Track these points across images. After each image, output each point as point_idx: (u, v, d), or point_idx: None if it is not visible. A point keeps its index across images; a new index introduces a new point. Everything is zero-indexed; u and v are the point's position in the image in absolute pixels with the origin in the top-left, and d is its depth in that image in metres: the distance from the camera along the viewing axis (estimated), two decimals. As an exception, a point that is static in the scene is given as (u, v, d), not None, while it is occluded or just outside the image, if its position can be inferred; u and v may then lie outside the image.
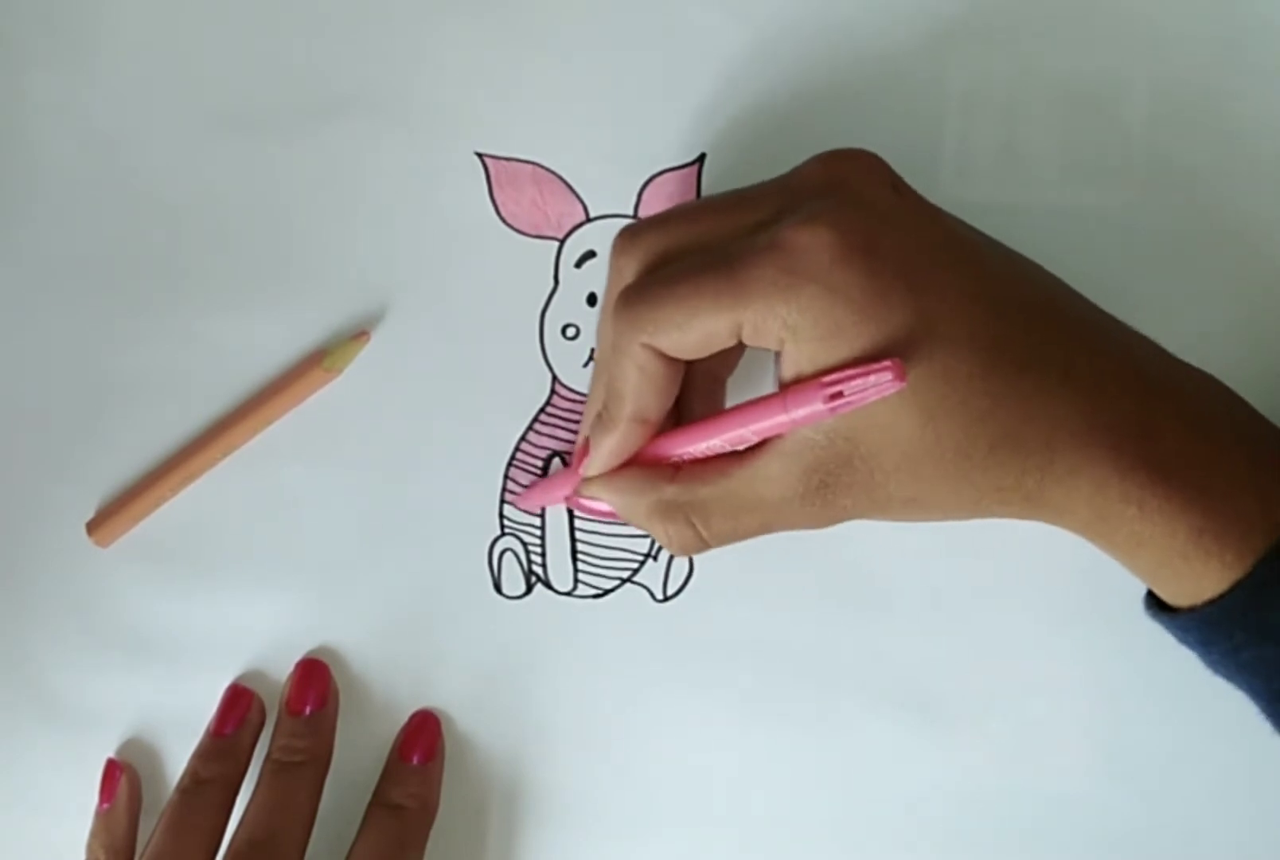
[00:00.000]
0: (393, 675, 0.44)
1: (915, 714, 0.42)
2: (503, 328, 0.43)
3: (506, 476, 0.43)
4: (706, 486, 0.36)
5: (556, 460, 0.43)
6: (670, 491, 0.36)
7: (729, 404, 0.40)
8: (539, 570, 0.44)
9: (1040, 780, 0.42)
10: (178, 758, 0.44)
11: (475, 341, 0.43)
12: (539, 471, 0.43)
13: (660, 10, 0.42)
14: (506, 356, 0.43)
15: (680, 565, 0.43)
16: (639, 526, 0.38)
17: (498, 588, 0.44)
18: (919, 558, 0.42)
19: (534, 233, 0.43)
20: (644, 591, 0.43)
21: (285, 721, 0.43)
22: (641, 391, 0.35)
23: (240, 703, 0.44)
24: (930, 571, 0.42)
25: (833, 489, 0.34)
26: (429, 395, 0.44)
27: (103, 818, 0.44)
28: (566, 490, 0.40)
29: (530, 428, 0.43)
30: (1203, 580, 0.34)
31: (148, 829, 0.43)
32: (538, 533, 0.44)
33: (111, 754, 0.45)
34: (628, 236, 0.37)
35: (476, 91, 0.43)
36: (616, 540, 0.43)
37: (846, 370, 0.32)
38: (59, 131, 0.44)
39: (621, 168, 0.43)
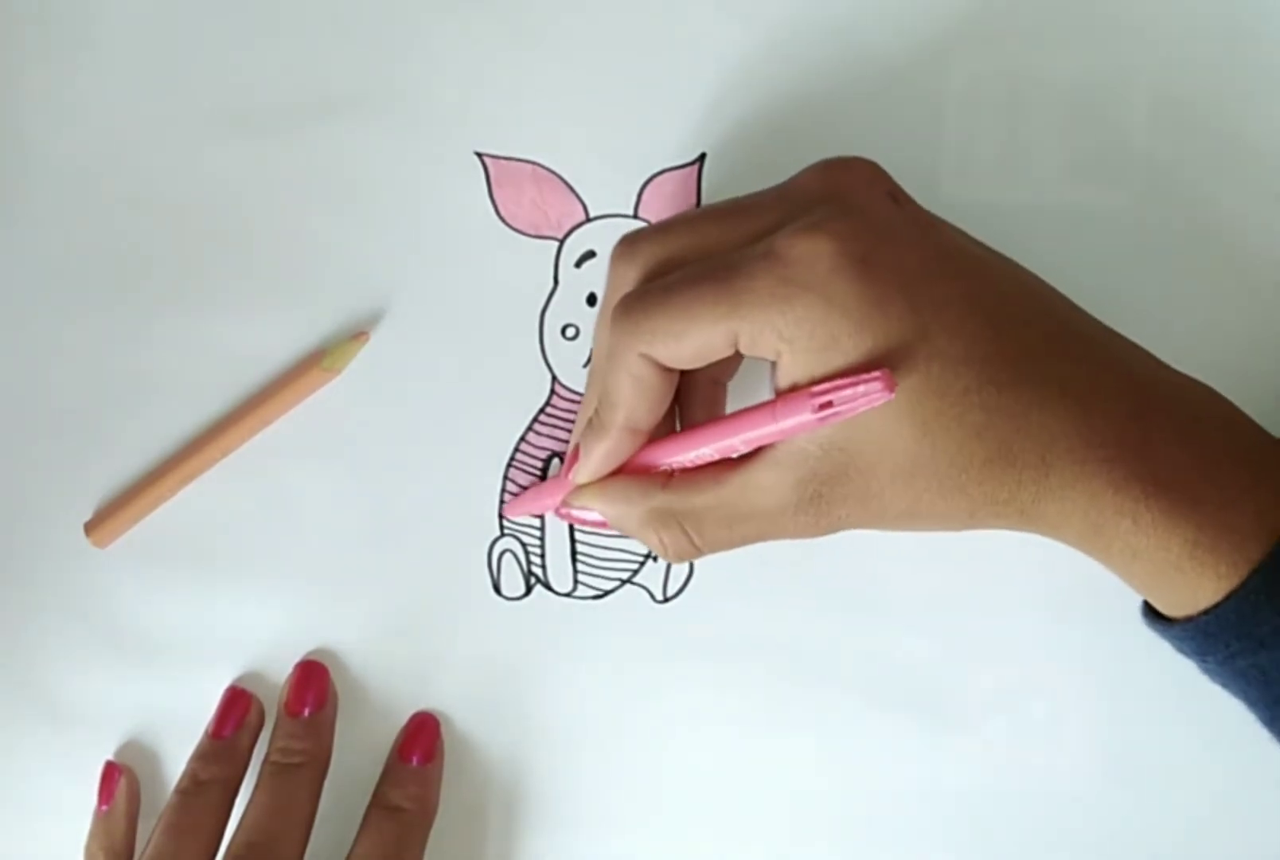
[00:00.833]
0: (392, 676, 0.44)
1: (915, 714, 0.42)
2: (502, 328, 0.43)
3: (506, 477, 0.43)
4: (700, 495, 0.35)
5: (556, 460, 0.43)
6: (663, 499, 0.36)
7: (729, 408, 0.40)
8: (538, 571, 0.43)
9: (1040, 781, 0.42)
10: (176, 759, 0.44)
11: (475, 341, 0.43)
12: (538, 472, 0.43)
13: (660, 10, 0.42)
14: (506, 356, 0.43)
15: (680, 566, 0.43)
16: (631, 535, 0.38)
17: (497, 589, 0.44)
18: (920, 558, 0.42)
19: (534, 232, 0.43)
20: (644, 592, 0.43)
21: (284, 723, 0.43)
22: (635, 400, 0.35)
23: (239, 704, 0.44)
24: (931, 572, 0.42)
25: (827, 500, 0.34)
26: (428, 395, 0.44)
27: (101, 819, 0.44)
28: (556, 498, 0.39)
29: (530, 428, 0.43)
30: (1197, 591, 0.34)
31: (146, 831, 0.43)
32: (537, 534, 0.43)
33: (110, 756, 0.45)
34: (627, 245, 0.37)
35: (476, 91, 0.43)
36: (616, 541, 0.43)
37: (836, 380, 0.32)
38: (59, 131, 0.44)
39: (621, 168, 0.43)
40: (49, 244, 0.45)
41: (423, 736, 0.43)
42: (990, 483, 0.33)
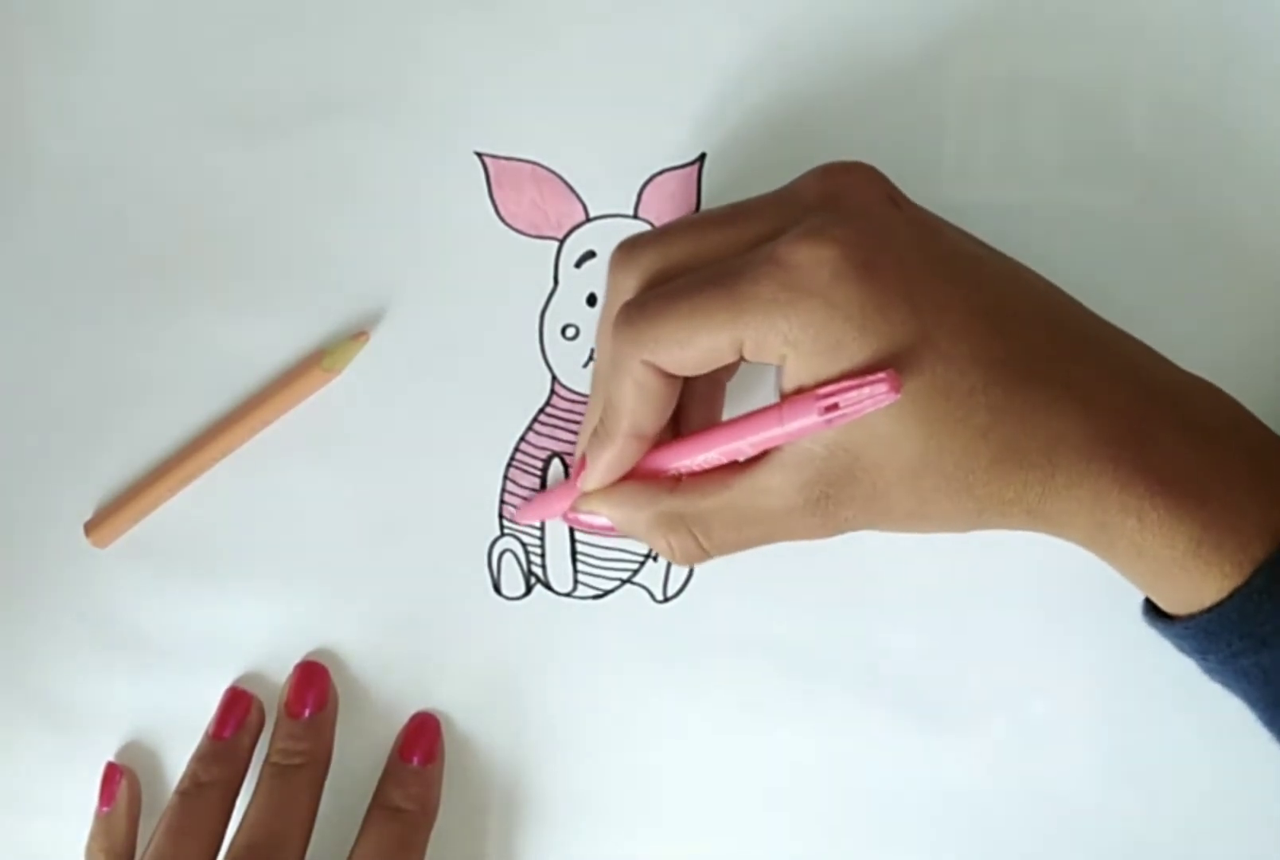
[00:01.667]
0: (392, 677, 0.44)
1: (916, 714, 0.42)
2: (502, 328, 0.43)
3: (506, 477, 0.43)
4: (707, 498, 0.35)
5: (556, 461, 0.43)
6: (671, 503, 0.36)
7: (727, 410, 0.40)
8: (538, 571, 0.43)
9: (1040, 781, 0.42)
10: (177, 760, 0.44)
11: (475, 341, 0.43)
12: (538, 472, 0.43)
13: (660, 9, 0.42)
14: (506, 356, 0.43)
15: (680, 566, 0.43)
16: (640, 539, 0.38)
17: (497, 589, 0.44)
18: (920, 558, 0.42)
19: (534, 233, 0.43)
20: (644, 592, 0.43)
21: (284, 724, 0.43)
22: (639, 407, 0.35)
23: (239, 705, 0.44)
24: (931, 572, 0.42)
25: (834, 501, 0.34)
26: (428, 395, 0.44)
27: (102, 821, 0.44)
28: (565, 504, 0.39)
29: (530, 428, 0.43)
30: (1201, 589, 0.34)
31: (147, 832, 0.43)
32: (537, 534, 0.43)
33: (111, 757, 0.45)
34: (626, 251, 0.37)
35: (476, 91, 0.43)
36: (616, 541, 0.43)
37: (841, 382, 0.32)
38: (59, 131, 0.44)
39: (621, 168, 0.43)
40: (49, 244, 0.45)
41: (423, 737, 0.43)
42: (996, 483, 0.33)
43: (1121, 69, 0.41)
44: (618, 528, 0.38)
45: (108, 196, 0.44)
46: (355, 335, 0.43)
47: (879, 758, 0.42)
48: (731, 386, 0.40)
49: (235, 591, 0.44)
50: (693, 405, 0.39)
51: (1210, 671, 0.36)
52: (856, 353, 0.32)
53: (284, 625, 0.44)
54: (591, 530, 0.40)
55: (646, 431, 0.36)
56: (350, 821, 0.42)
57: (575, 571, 0.43)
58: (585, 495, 0.38)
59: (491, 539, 0.44)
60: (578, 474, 0.38)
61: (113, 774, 0.44)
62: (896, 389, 0.31)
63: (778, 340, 0.32)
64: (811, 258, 0.32)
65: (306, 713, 0.43)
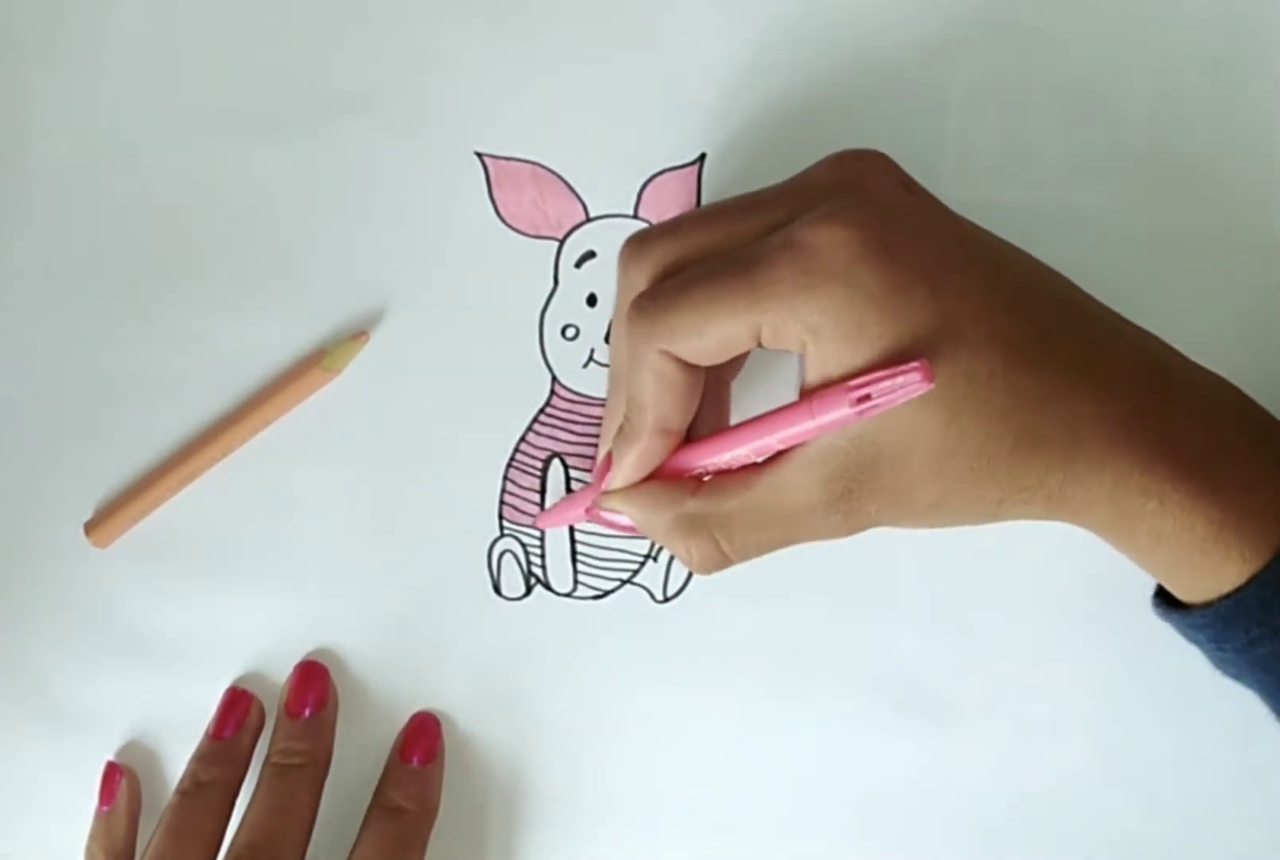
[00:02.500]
0: (392, 677, 0.44)
1: (916, 714, 0.42)
2: (502, 328, 0.43)
3: (506, 477, 0.43)
4: (729, 499, 0.35)
5: (556, 461, 0.43)
6: (693, 505, 0.36)
7: (735, 408, 0.40)
8: (538, 571, 0.43)
9: (1040, 781, 0.42)
10: (177, 760, 0.44)
11: (474, 342, 0.43)
12: (538, 472, 0.43)
13: (660, 10, 0.42)
14: (506, 357, 0.43)
15: (680, 566, 0.43)
16: (659, 542, 0.37)
17: (497, 589, 0.44)
18: (920, 558, 0.42)
19: (533, 233, 0.43)
20: (644, 592, 0.43)
21: (284, 724, 0.43)
22: (662, 400, 0.35)
23: (239, 705, 0.44)
24: (932, 571, 0.42)
25: (857, 496, 0.34)
26: (428, 395, 0.44)
27: (102, 820, 0.44)
28: (589, 504, 0.39)
29: (530, 428, 0.43)
30: (1220, 575, 0.34)
31: (147, 831, 0.43)
32: (537, 534, 0.43)
33: (111, 756, 0.45)
34: (636, 245, 0.36)
35: (476, 91, 0.43)
36: (616, 541, 0.43)
37: (873, 372, 0.31)
38: (59, 131, 0.44)
39: (621, 168, 0.43)
40: (49, 244, 0.45)
41: (423, 737, 0.43)
42: (1018, 467, 0.33)
43: (1121, 68, 0.41)
44: (639, 528, 0.37)
45: (107, 197, 0.44)
46: (355, 335, 0.43)
47: (880, 758, 0.42)
48: (736, 385, 0.40)
49: (235, 591, 0.44)
50: (701, 407, 0.39)
51: (1224, 662, 0.36)
52: (878, 337, 0.32)
53: (284, 625, 0.44)
54: (613, 528, 0.40)
55: (672, 425, 0.35)
56: (350, 821, 0.42)
57: (575, 572, 0.43)
58: (608, 493, 0.37)
59: (491, 539, 0.44)
60: (600, 475, 0.38)
61: (113, 774, 0.44)
62: (930, 379, 0.31)
63: (797, 326, 0.32)
64: (830, 241, 0.32)
65: (306, 713, 0.43)
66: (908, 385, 0.31)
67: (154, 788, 0.45)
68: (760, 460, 0.35)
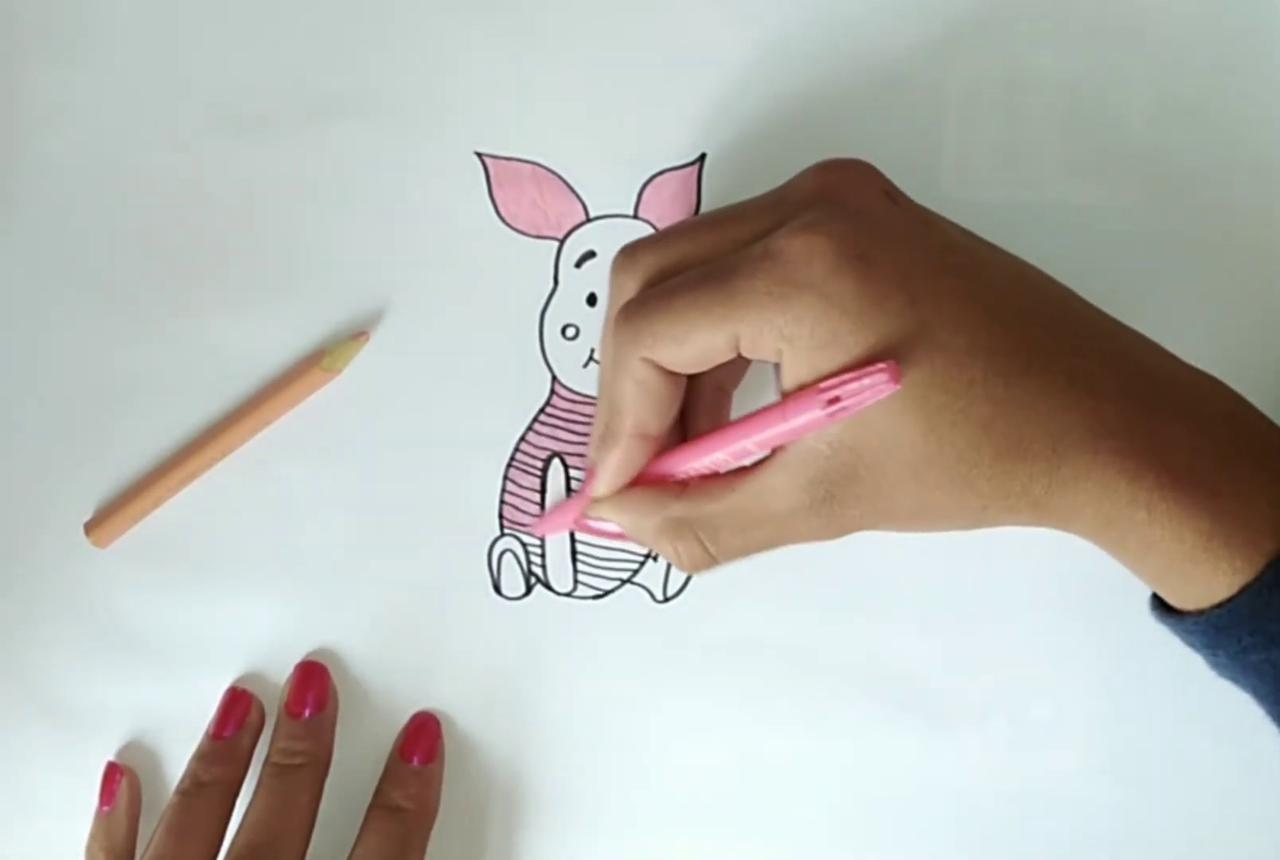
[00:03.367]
0: (392, 677, 0.44)
1: (916, 714, 0.42)
2: (502, 328, 0.43)
3: (506, 477, 0.43)
4: (714, 502, 0.35)
5: (556, 461, 0.43)
6: (678, 509, 0.36)
7: (735, 417, 0.40)
8: (539, 571, 0.43)
9: (1041, 781, 0.42)
10: (177, 760, 0.44)
11: (474, 341, 0.43)
12: (538, 472, 0.43)
13: (660, 10, 0.42)
14: (506, 356, 0.43)
15: (681, 566, 0.43)
16: (648, 546, 0.37)
17: (497, 589, 0.44)
18: (920, 558, 0.42)
19: (533, 232, 0.43)
20: (644, 592, 0.43)
21: (284, 724, 0.43)
22: (641, 406, 0.35)
23: (239, 705, 0.44)
24: (931, 571, 0.42)
25: (839, 500, 0.34)
26: (428, 395, 0.44)
27: (102, 820, 0.44)
28: (578, 514, 0.39)
29: (530, 428, 0.43)
30: (1211, 584, 0.34)
31: (148, 831, 0.43)
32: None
33: (111, 756, 0.45)
34: (627, 255, 0.37)
35: (476, 91, 0.43)
36: (617, 542, 0.43)
37: (841, 375, 0.32)
38: (58, 131, 0.44)
39: (621, 168, 0.43)
40: (49, 244, 0.45)
41: (423, 736, 0.43)
42: (1001, 476, 0.33)
43: (1121, 69, 0.41)
44: (627, 534, 0.38)
45: (106, 196, 0.44)
46: (355, 335, 0.43)
47: (880, 758, 0.42)
48: (739, 395, 0.40)
49: (235, 591, 0.44)
50: (700, 414, 0.39)
51: (1219, 667, 0.36)
52: (853, 346, 0.32)
53: (284, 625, 0.44)
54: (602, 536, 0.40)
55: (651, 431, 0.36)
56: (350, 821, 0.42)
57: (575, 571, 0.43)
58: (595, 501, 0.38)
59: (491, 539, 0.44)
60: (588, 482, 0.38)
61: (113, 773, 0.44)
62: (896, 379, 0.31)
63: (773, 335, 0.32)
64: (805, 251, 0.32)
65: (306, 713, 0.43)
66: (875, 386, 0.31)
67: (154, 788, 0.45)
68: (747, 463, 0.35)
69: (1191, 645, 0.36)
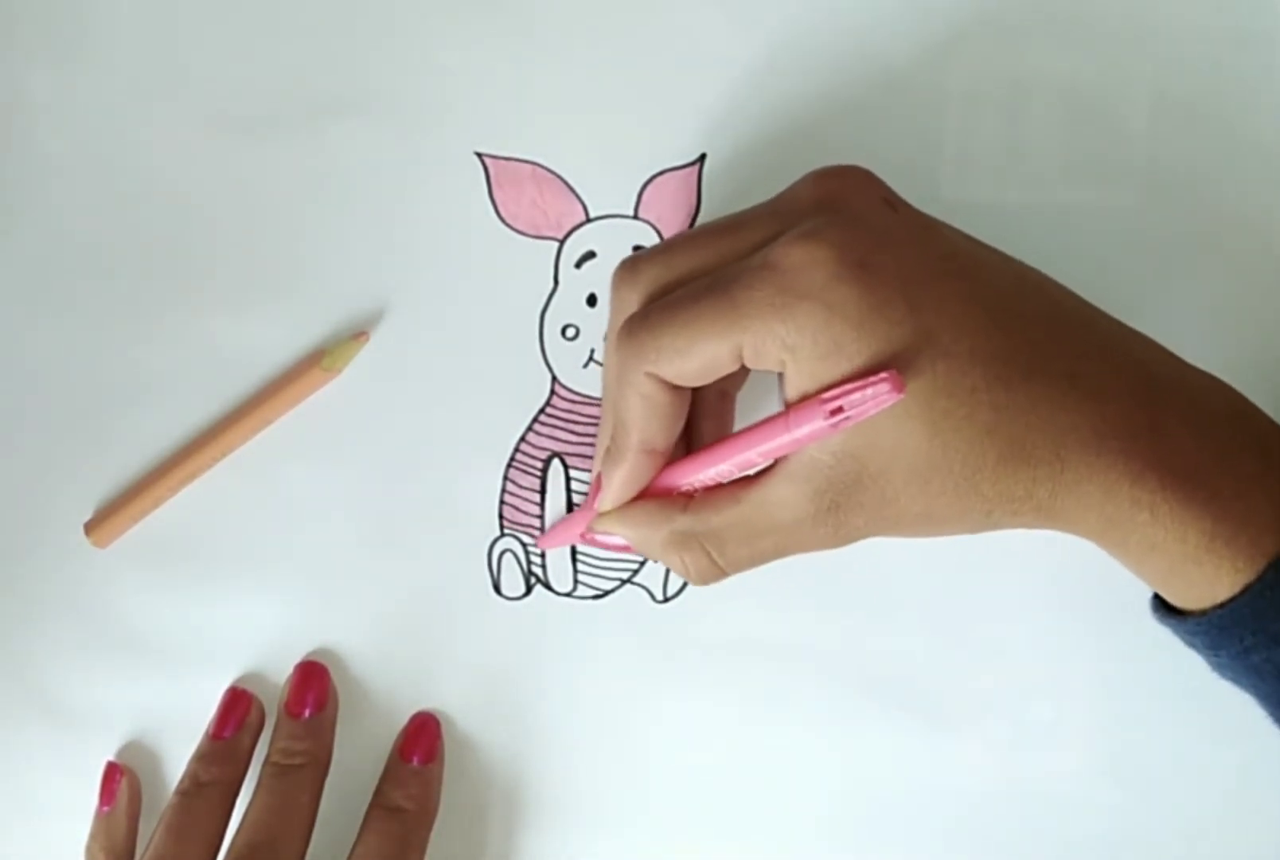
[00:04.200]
0: (392, 677, 0.44)
1: (917, 714, 0.42)
2: (502, 328, 0.43)
3: (506, 477, 0.43)
4: (719, 514, 0.35)
5: (556, 461, 0.43)
6: (684, 521, 0.36)
7: (737, 422, 0.40)
8: (538, 571, 0.44)
9: (1041, 781, 0.42)
10: (177, 760, 0.44)
11: (474, 342, 0.43)
12: (538, 472, 0.43)
13: (660, 10, 0.42)
14: (506, 357, 0.43)
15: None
16: (655, 559, 0.38)
17: (497, 589, 0.44)
18: (920, 558, 0.42)
19: (533, 233, 0.43)
20: (644, 592, 0.43)
21: (284, 724, 0.43)
22: (647, 421, 0.35)
23: (239, 705, 0.44)
24: (932, 572, 0.42)
25: (844, 509, 0.34)
26: (428, 395, 0.44)
27: (102, 820, 0.44)
28: (584, 527, 0.39)
29: (530, 428, 0.43)
30: (1213, 584, 0.34)
31: (147, 831, 0.43)
32: (537, 534, 0.43)
33: (111, 756, 0.45)
34: (628, 269, 0.37)
35: (476, 91, 0.43)
36: (616, 541, 0.43)
37: (844, 385, 0.32)
38: (59, 131, 0.44)
39: (621, 168, 0.43)
40: (49, 244, 0.45)
41: (423, 736, 0.43)
42: (1005, 480, 0.33)
43: (1121, 69, 0.41)
44: (634, 547, 0.38)
45: (107, 196, 0.44)
46: (355, 335, 0.43)
47: (880, 758, 0.42)
48: (741, 400, 0.40)
49: (235, 591, 0.44)
50: (703, 421, 0.39)
51: (1220, 668, 0.36)
52: (855, 354, 0.32)
53: (284, 625, 0.44)
54: (608, 549, 0.40)
55: (657, 446, 0.36)
56: (350, 821, 0.42)
57: (575, 571, 0.43)
58: (601, 515, 0.38)
59: (491, 539, 0.44)
60: (594, 496, 0.38)
61: (113, 774, 0.44)
62: (900, 389, 0.31)
63: (776, 345, 0.32)
64: (806, 260, 0.32)
65: (306, 713, 0.43)
66: (878, 395, 0.31)
67: (154, 788, 0.45)
68: (751, 473, 0.35)
69: (1193, 646, 0.36)
